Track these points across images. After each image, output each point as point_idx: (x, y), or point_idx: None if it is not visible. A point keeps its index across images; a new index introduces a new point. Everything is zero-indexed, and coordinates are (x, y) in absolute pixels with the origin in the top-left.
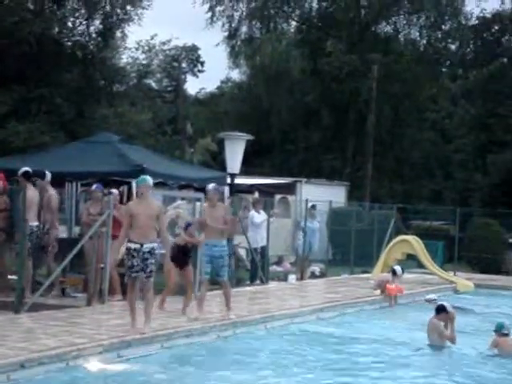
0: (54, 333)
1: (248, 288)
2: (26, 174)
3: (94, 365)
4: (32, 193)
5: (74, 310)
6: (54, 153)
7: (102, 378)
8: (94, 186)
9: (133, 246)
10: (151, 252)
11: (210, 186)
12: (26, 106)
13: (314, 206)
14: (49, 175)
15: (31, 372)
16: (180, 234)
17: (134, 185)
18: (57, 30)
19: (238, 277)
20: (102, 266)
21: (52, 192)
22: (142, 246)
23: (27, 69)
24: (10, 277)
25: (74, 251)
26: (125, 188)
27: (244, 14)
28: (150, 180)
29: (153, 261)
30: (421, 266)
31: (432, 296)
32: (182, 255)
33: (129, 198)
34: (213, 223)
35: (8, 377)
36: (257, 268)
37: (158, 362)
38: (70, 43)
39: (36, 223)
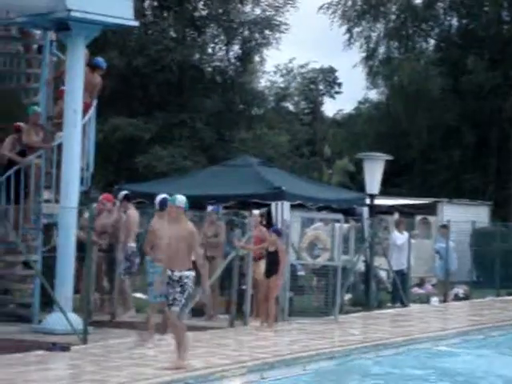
0: (199, 354)
1: (389, 310)
2: (126, 196)
3: None
4: (133, 214)
5: (217, 331)
6: (195, 176)
7: None
8: (210, 208)
9: (168, 272)
10: (179, 281)
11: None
12: (168, 132)
13: (445, 226)
14: (121, 194)
15: None
16: (320, 255)
17: (273, 207)
18: (197, 56)
19: (378, 299)
20: (243, 287)
21: (131, 211)
22: (172, 272)
23: (169, 95)
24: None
25: (217, 273)
26: (264, 210)
27: (382, 34)
28: (179, 200)
29: (178, 289)
30: None
31: None
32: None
33: (268, 220)
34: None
35: None
36: (398, 290)
37: None
38: (209, 69)
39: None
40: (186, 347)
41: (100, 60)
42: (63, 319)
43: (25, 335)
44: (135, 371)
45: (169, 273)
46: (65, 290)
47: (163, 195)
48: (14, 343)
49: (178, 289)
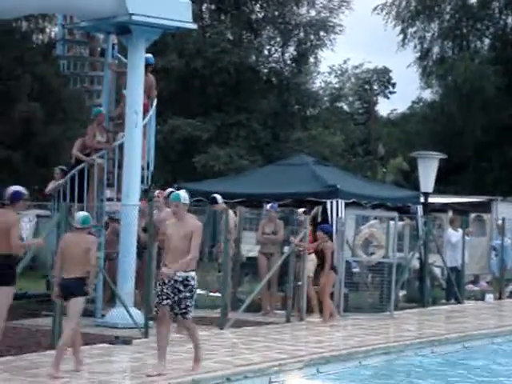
0: (256, 348)
1: (444, 307)
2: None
3: (295, 380)
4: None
5: (273, 326)
6: (252, 175)
7: None
8: (269, 206)
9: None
10: (184, 283)
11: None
12: (225, 132)
13: (501, 223)
14: (219, 198)
15: None
16: (374, 252)
17: (328, 205)
18: (254, 58)
19: (433, 295)
20: (299, 283)
21: (231, 214)
22: (174, 273)
23: (226, 96)
24: (211, 294)
25: (273, 270)
26: (319, 208)
27: (436, 34)
28: (183, 196)
29: (187, 294)
30: None
31: None
32: None
33: (323, 218)
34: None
35: None
36: (452, 286)
37: (356, 379)
38: (265, 70)
39: None
40: (200, 347)
41: (148, 57)
42: (125, 314)
43: (88, 329)
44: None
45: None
46: (126, 285)
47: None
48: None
49: (188, 294)
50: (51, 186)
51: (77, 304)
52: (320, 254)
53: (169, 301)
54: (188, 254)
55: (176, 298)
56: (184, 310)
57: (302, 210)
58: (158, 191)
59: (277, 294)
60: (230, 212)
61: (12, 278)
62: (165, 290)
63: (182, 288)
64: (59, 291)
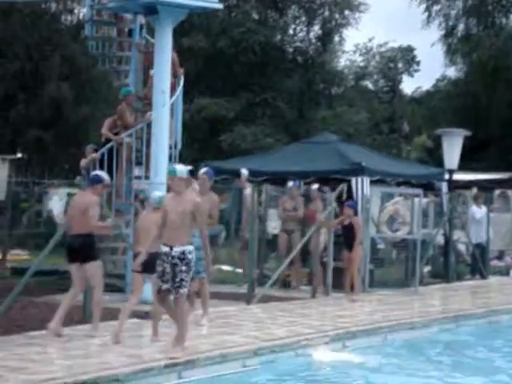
0: (283, 323)
1: (468, 282)
2: (190, 172)
3: (321, 354)
4: (196, 189)
5: (299, 301)
6: (277, 154)
7: (329, 367)
8: (291, 183)
9: (163, 249)
10: (181, 257)
11: (202, 170)
12: (251, 111)
13: None
14: (245, 173)
15: (263, 359)
16: (399, 229)
17: (353, 182)
18: (279, 37)
19: (458, 271)
20: (325, 259)
21: (248, 191)
22: (171, 249)
23: (252, 75)
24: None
25: (299, 246)
26: (344, 186)
27: (461, 11)
28: (179, 170)
29: (183, 268)
30: None
31: None
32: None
33: (348, 195)
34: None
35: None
36: (477, 262)
37: (382, 353)
38: (291, 49)
39: None
40: (185, 334)
41: None
42: None
43: (119, 304)
44: (223, 339)
45: (165, 249)
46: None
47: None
48: (110, 311)
49: (184, 267)
50: (83, 162)
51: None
52: (345, 230)
53: (168, 284)
54: (185, 230)
55: (172, 272)
56: (178, 284)
57: (315, 186)
58: None
59: (301, 270)
60: (248, 189)
61: (96, 253)
62: (166, 270)
63: (178, 262)
64: (138, 265)
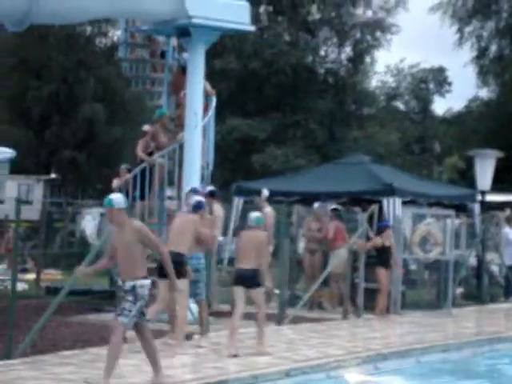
0: (314, 344)
1: (502, 305)
2: (211, 193)
3: (353, 376)
4: (217, 210)
5: (331, 323)
6: (308, 174)
7: None
8: (317, 204)
9: (118, 281)
10: (130, 290)
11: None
12: (282, 132)
13: None
14: (265, 193)
15: (295, 380)
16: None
17: (384, 203)
18: (310, 58)
19: (491, 293)
20: (356, 280)
21: (268, 209)
22: (123, 283)
23: (283, 96)
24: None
25: (329, 267)
26: (376, 207)
27: (493, 32)
28: (116, 201)
29: (130, 298)
30: None
31: None
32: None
33: (379, 216)
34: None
35: None
36: (511, 284)
37: (415, 376)
38: (322, 70)
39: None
40: (112, 365)
41: (186, 56)
42: None
43: (149, 324)
44: (254, 360)
45: (119, 282)
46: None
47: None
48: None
49: (130, 297)
50: (116, 182)
51: (260, 293)
52: (385, 251)
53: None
54: (135, 262)
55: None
56: (119, 312)
57: (333, 206)
58: None
59: (335, 291)
60: (267, 208)
61: (186, 272)
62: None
63: (128, 295)
64: (236, 279)
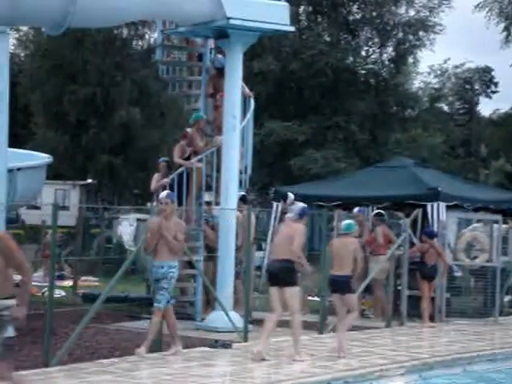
0: (356, 353)
1: None
2: (242, 198)
3: None
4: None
5: (373, 331)
6: (349, 178)
7: None
8: (357, 209)
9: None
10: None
11: (163, 193)
12: (322, 134)
13: None
14: (291, 197)
15: None
16: (477, 256)
17: (429, 208)
18: (351, 59)
19: None
20: (399, 287)
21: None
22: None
23: (323, 98)
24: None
25: (371, 276)
26: (419, 211)
27: None
28: None
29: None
30: None
31: None
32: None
33: (423, 221)
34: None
35: None
36: None
37: None
38: (363, 71)
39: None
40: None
41: (220, 58)
42: (224, 317)
43: (188, 332)
44: (294, 369)
45: None
46: (226, 289)
47: None
48: (183, 339)
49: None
50: (154, 182)
51: (352, 298)
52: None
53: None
54: (5, 280)
55: None
56: None
57: (356, 209)
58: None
59: (379, 298)
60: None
61: (296, 279)
62: None
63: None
64: (330, 286)
